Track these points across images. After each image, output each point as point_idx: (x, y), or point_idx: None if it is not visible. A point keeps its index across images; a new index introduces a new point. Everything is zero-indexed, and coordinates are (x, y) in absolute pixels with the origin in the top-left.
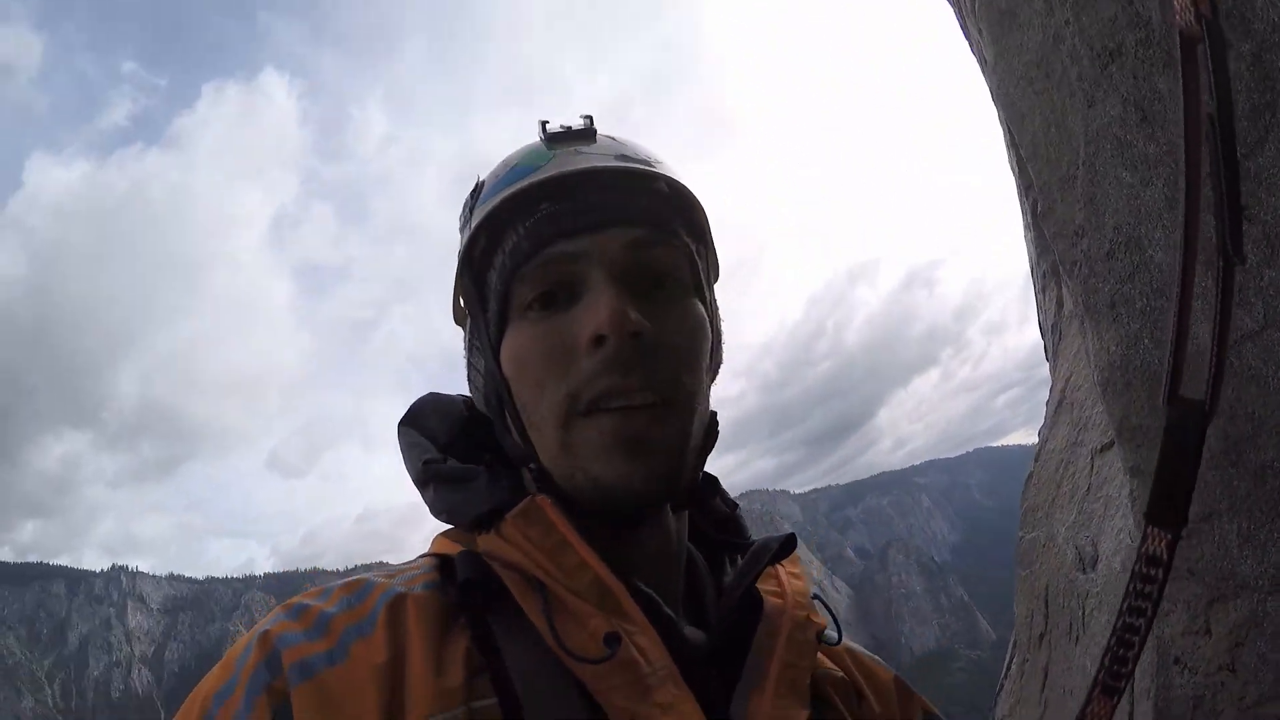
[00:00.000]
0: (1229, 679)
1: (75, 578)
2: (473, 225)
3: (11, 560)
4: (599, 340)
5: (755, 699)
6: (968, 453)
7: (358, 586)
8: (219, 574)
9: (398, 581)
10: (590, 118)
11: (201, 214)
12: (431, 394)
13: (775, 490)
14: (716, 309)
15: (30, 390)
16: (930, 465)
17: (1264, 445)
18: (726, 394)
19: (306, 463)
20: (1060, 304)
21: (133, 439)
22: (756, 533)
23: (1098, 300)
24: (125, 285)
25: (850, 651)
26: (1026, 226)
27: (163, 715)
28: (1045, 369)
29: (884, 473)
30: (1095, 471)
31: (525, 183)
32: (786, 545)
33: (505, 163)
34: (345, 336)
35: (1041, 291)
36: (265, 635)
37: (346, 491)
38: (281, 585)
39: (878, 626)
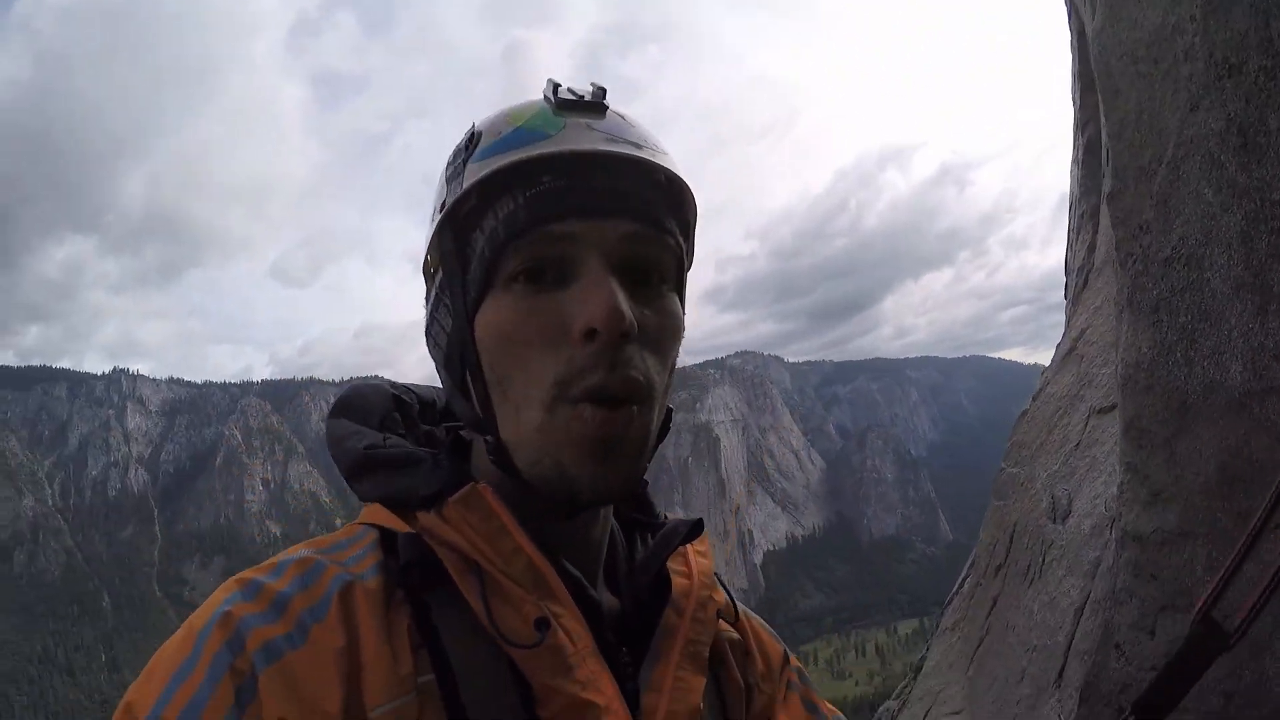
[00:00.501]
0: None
1: (77, 380)
2: (465, 181)
3: (14, 364)
4: (591, 333)
5: (660, 670)
6: (963, 357)
7: (308, 565)
8: (217, 379)
9: (348, 563)
10: (603, 89)
11: (216, 16)
12: (354, 385)
13: (770, 355)
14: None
15: (34, 195)
16: (925, 361)
17: (1254, 492)
18: (738, 253)
19: (309, 274)
20: (1092, 249)
21: (137, 244)
22: (743, 394)
23: (1143, 299)
24: (133, 89)
25: (747, 617)
26: (1075, 160)
27: (156, 513)
28: (1056, 295)
29: (879, 359)
30: (1089, 429)
31: (534, 152)
32: (695, 528)
33: (508, 118)
34: (358, 150)
35: (1075, 231)
36: (227, 616)
37: (347, 305)
38: (277, 392)
39: (844, 504)
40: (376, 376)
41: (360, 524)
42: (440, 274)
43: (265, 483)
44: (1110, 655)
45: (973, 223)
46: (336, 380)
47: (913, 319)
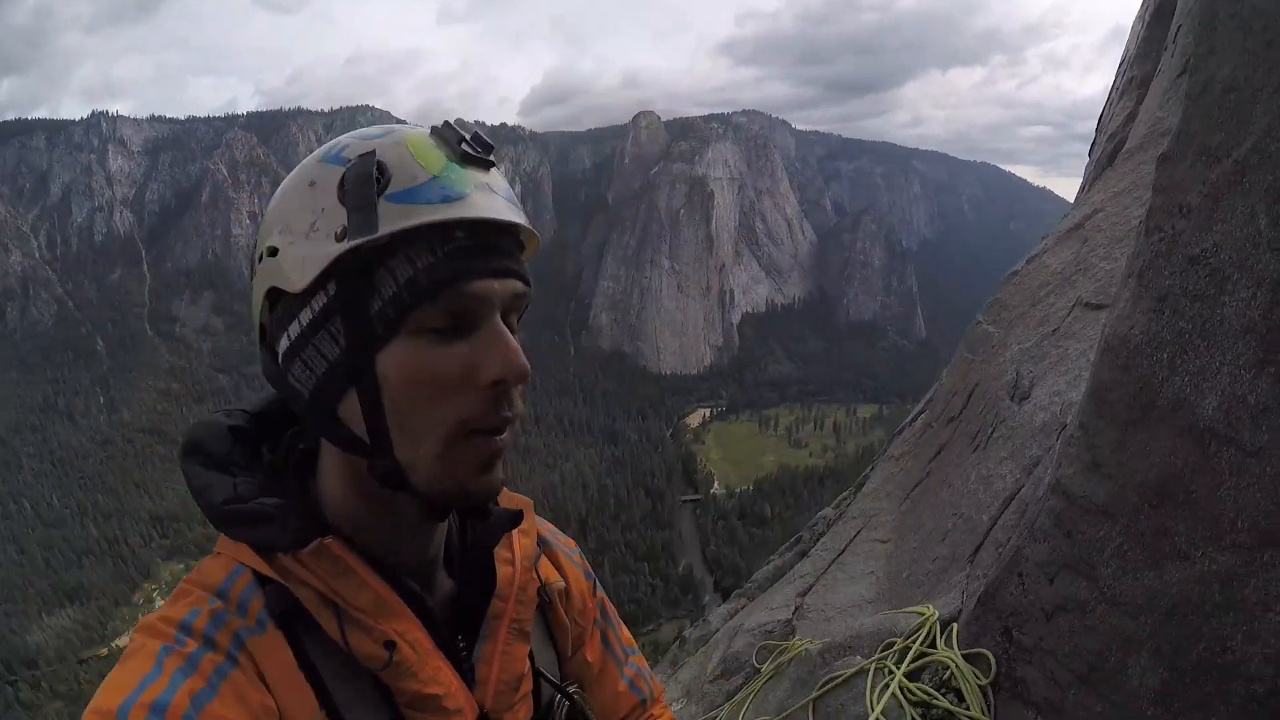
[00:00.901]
0: (1042, 623)
1: (55, 129)
2: (382, 223)
3: None
4: (497, 383)
5: (489, 648)
6: (973, 162)
7: (214, 614)
8: (200, 114)
9: (236, 613)
10: (491, 145)
11: None
12: (196, 425)
13: (777, 119)
14: None
15: None
16: (934, 156)
17: (1178, 518)
18: (762, 8)
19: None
20: (1132, 119)
21: None
22: (744, 154)
23: (1154, 282)
24: None
25: (565, 558)
26: (1141, 16)
27: (144, 253)
28: (1084, 125)
29: (888, 143)
30: (1071, 319)
31: (455, 215)
32: (516, 518)
33: (416, 161)
34: None
35: (1120, 91)
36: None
37: (337, 31)
38: (264, 124)
39: (828, 281)
40: (368, 108)
41: (234, 561)
42: (326, 301)
43: (252, 216)
44: (1012, 579)
45: (1015, 29)
46: (326, 110)
47: (930, 110)
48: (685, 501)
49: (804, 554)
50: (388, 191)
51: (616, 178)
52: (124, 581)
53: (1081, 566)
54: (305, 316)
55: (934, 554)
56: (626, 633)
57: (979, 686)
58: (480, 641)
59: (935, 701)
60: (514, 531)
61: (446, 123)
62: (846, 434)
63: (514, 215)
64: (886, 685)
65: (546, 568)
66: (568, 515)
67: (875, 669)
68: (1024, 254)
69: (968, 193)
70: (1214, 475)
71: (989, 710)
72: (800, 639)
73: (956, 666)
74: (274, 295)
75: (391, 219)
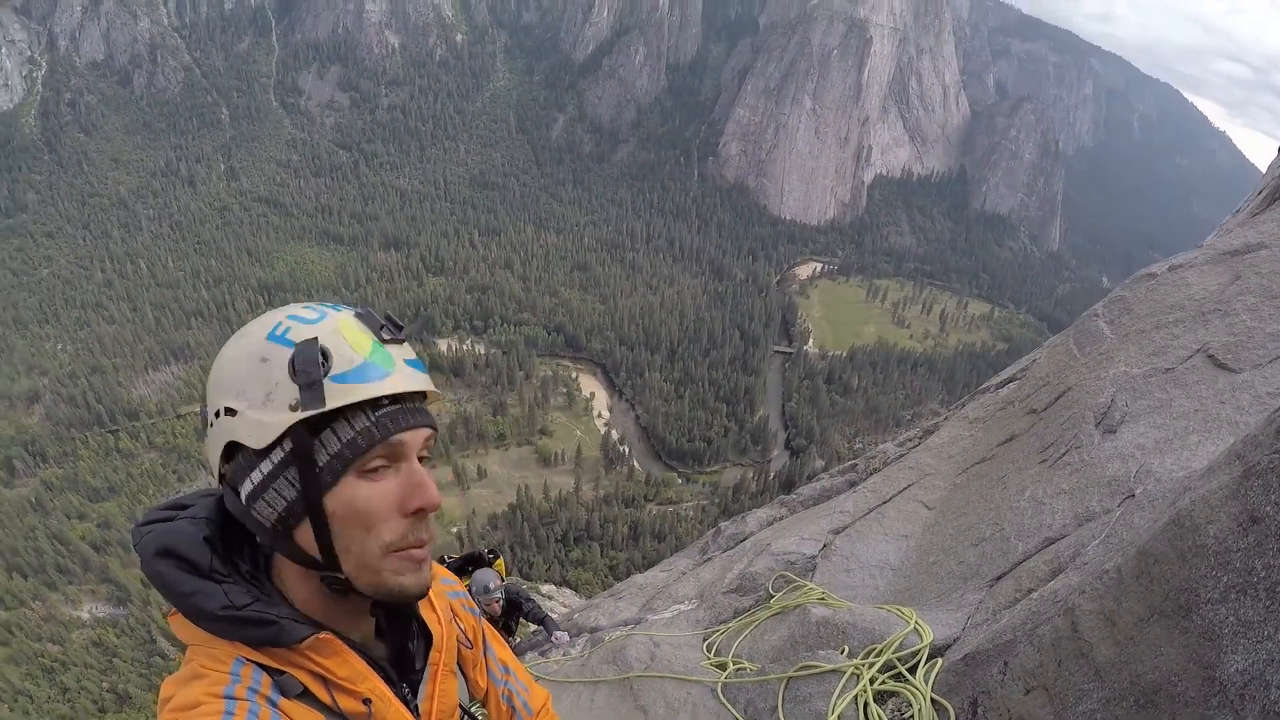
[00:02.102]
0: None
1: None
2: (329, 399)
3: None
4: (419, 511)
5: (429, 688)
6: (1155, 79)
7: (247, 686)
8: None
9: (271, 692)
10: (401, 326)
11: None
12: (166, 530)
13: None
14: None
15: None
16: (1115, 61)
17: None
18: None
19: None
20: None
21: None
22: (912, 4)
23: (1254, 495)
24: None
25: (463, 607)
26: None
27: (273, 24)
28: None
29: (1069, 32)
30: (1190, 367)
31: (386, 390)
32: (424, 592)
33: (354, 347)
34: None
35: None
36: None
37: None
38: None
39: (971, 162)
40: None
41: (230, 655)
42: (283, 456)
43: None
44: (997, 661)
45: None
46: None
47: (1123, 9)
48: (777, 352)
49: (853, 485)
50: (331, 373)
51: (772, 1)
52: None
53: (1054, 701)
54: (265, 467)
55: (962, 556)
56: (505, 653)
57: None
58: (422, 684)
59: None
60: (429, 596)
61: (363, 310)
62: (952, 325)
63: (424, 384)
64: (855, 698)
65: (460, 617)
66: (659, 341)
67: (850, 674)
68: (1185, 199)
69: (1141, 110)
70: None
71: None
72: (813, 586)
73: (919, 711)
74: (231, 448)
75: (336, 396)
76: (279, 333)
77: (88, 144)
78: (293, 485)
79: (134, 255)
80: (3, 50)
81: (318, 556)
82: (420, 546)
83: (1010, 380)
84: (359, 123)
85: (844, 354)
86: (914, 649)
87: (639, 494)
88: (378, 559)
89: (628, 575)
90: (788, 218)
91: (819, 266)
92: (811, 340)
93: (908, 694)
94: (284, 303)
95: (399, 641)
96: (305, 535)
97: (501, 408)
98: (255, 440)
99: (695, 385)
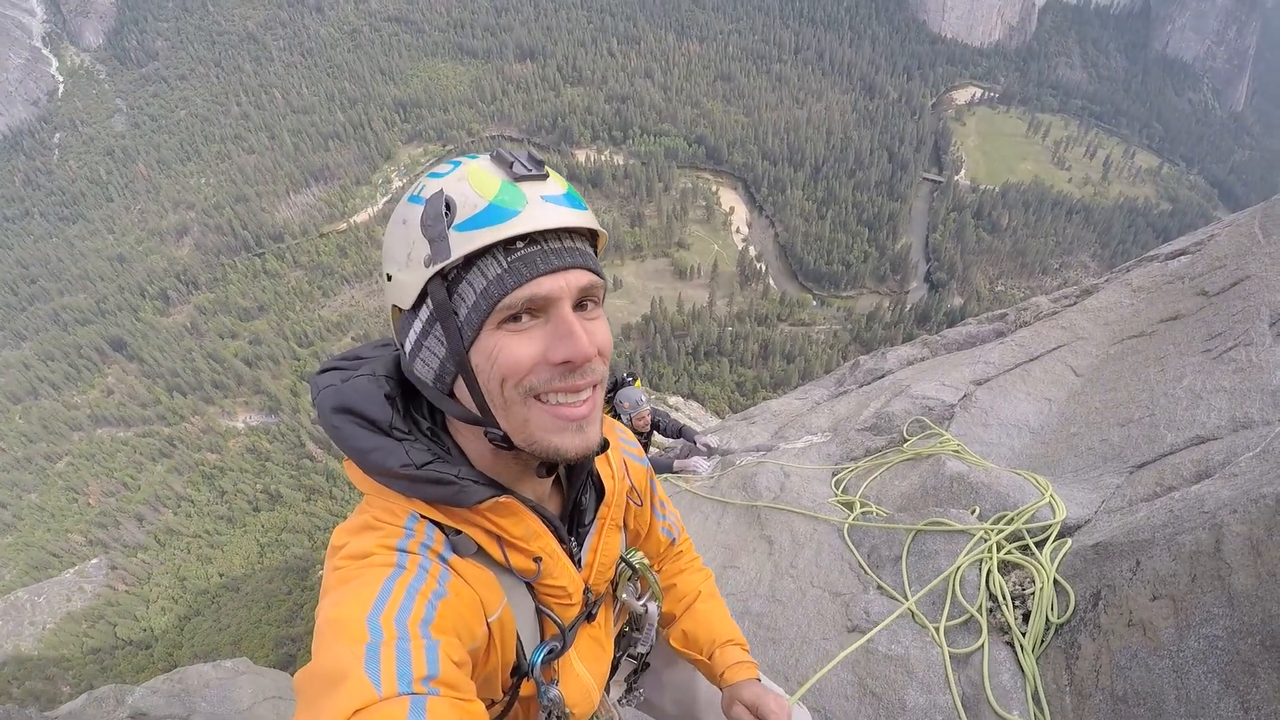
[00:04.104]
0: (1123, 622)
1: None
2: (453, 249)
3: None
4: (566, 363)
5: (594, 540)
6: None
7: (421, 541)
8: None
9: (429, 544)
10: (541, 161)
11: None
12: (348, 386)
13: None
14: None
15: None
16: None
17: None
18: None
19: None
20: None
21: None
22: None
23: None
24: None
25: (630, 460)
26: None
27: None
28: None
29: None
30: None
31: (512, 231)
32: (604, 447)
33: (479, 191)
34: None
35: None
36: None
37: None
38: None
39: None
40: None
41: (405, 510)
42: (428, 313)
43: None
44: (1129, 558)
45: None
46: None
47: None
48: (925, 179)
49: (1001, 335)
50: (455, 222)
51: None
52: (365, 163)
53: (1179, 615)
54: (416, 326)
55: (1106, 434)
56: (662, 492)
57: (1048, 620)
58: (587, 537)
59: (1003, 610)
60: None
61: (499, 151)
62: (1115, 175)
63: (568, 219)
64: (980, 562)
65: (631, 472)
66: (804, 158)
67: (979, 538)
68: None
69: None
70: None
71: (1041, 643)
72: (950, 437)
73: (1041, 590)
74: (394, 310)
75: (459, 245)
76: (416, 192)
77: None
78: (441, 341)
79: (267, 86)
80: None
81: (476, 412)
82: (574, 405)
83: (1182, 253)
84: None
85: (996, 189)
86: (1045, 523)
87: (772, 313)
88: (523, 414)
89: (754, 393)
90: (948, 36)
91: (978, 92)
92: (964, 171)
93: (1032, 569)
94: (420, 120)
95: (573, 496)
96: (463, 391)
97: (639, 219)
98: (403, 300)
99: (838, 206)
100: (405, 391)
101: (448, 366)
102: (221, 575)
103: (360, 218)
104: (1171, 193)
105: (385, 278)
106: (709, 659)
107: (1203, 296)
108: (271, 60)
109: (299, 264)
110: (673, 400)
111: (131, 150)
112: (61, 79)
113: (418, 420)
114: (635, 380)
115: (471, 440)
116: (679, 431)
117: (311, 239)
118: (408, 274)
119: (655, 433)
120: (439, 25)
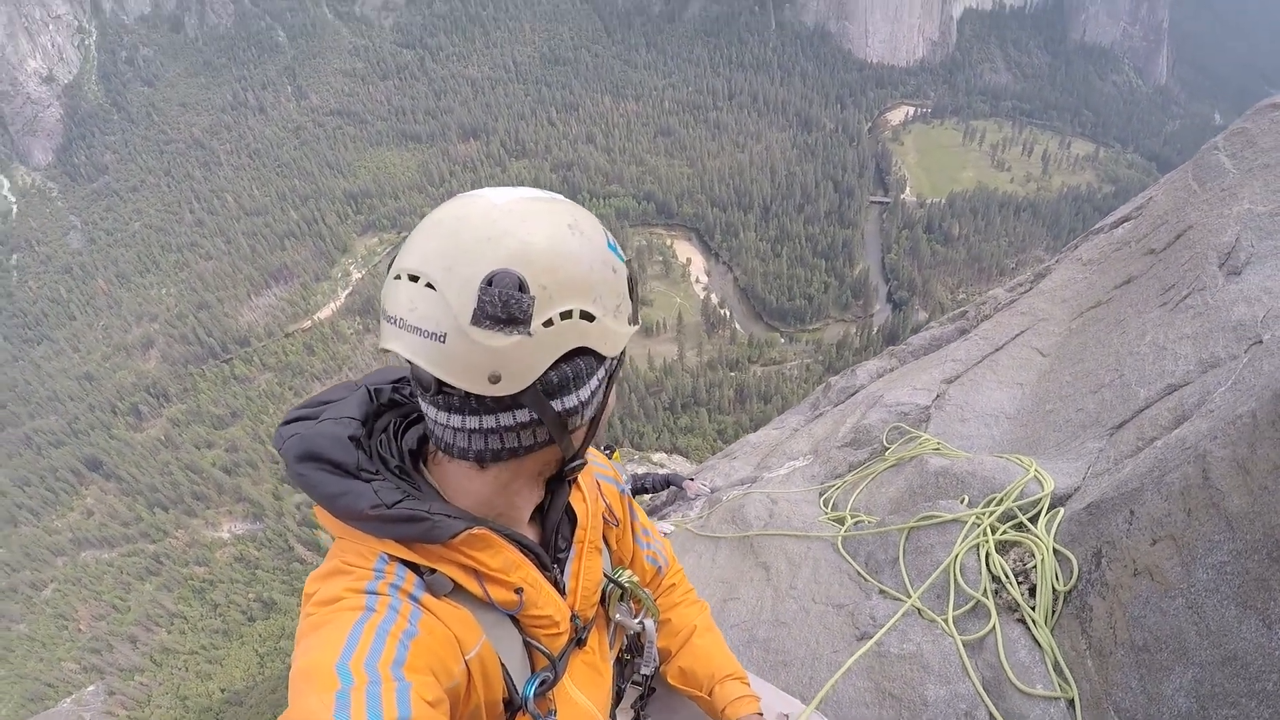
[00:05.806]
0: (1128, 574)
1: None
2: (637, 319)
3: None
4: None
5: (574, 565)
6: None
7: (390, 582)
8: None
9: (399, 584)
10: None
11: None
12: (313, 433)
13: None
14: None
15: None
16: None
17: None
18: None
19: None
20: None
21: None
22: None
23: None
24: None
25: (601, 483)
26: None
27: None
28: None
29: None
30: None
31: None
32: (580, 465)
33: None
34: None
35: None
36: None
37: None
38: None
39: None
40: None
41: (374, 551)
42: (610, 364)
43: None
44: (1123, 510)
45: None
46: None
47: None
48: (873, 202)
49: (964, 332)
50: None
51: None
52: (323, 258)
53: (1182, 552)
54: (600, 374)
55: (1080, 403)
56: (644, 519)
57: (1054, 589)
58: (568, 561)
59: (1008, 589)
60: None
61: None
62: (1055, 167)
63: None
64: (977, 547)
65: (604, 493)
66: (752, 199)
67: (971, 523)
68: None
69: None
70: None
71: (1052, 614)
72: (928, 437)
73: (1042, 561)
74: (573, 351)
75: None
76: (612, 244)
77: (153, 95)
78: (603, 391)
79: (219, 191)
80: (50, 27)
81: (575, 452)
82: None
83: (1125, 219)
84: (418, 18)
85: (943, 201)
86: (1035, 498)
87: (743, 356)
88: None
89: (736, 438)
90: (874, 60)
91: (911, 110)
92: (908, 188)
93: (1030, 544)
94: (372, 210)
95: (555, 520)
96: (579, 434)
97: None
98: (609, 348)
99: (792, 242)
100: (372, 430)
101: (599, 414)
102: (223, 690)
103: (324, 313)
104: (1112, 174)
105: (575, 313)
106: (709, 695)
107: (1151, 255)
108: (220, 164)
109: (267, 366)
110: (657, 457)
111: (90, 266)
112: (14, 199)
113: (385, 459)
114: (614, 453)
115: (466, 478)
116: (666, 482)
117: (277, 340)
118: (616, 325)
119: (647, 494)
120: (380, 114)
